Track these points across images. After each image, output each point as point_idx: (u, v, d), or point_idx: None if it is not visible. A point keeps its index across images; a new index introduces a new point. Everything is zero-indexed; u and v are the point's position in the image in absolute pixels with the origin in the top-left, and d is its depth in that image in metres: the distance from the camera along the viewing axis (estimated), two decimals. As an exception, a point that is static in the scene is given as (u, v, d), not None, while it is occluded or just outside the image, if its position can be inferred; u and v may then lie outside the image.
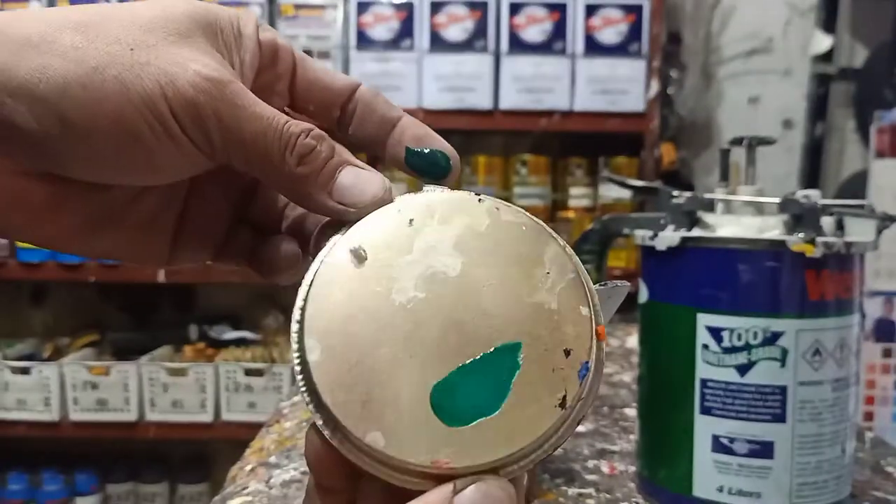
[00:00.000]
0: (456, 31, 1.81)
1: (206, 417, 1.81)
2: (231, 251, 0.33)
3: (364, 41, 1.82)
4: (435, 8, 1.81)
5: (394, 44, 1.82)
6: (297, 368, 0.25)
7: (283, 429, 0.71)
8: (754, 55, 2.10)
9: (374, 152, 0.32)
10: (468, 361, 0.24)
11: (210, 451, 1.96)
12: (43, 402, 1.80)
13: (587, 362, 0.24)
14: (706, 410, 0.49)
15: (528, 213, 0.27)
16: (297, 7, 1.84)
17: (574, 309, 0.25)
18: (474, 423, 0.24)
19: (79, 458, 1.94)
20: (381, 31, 1.82)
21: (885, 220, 0.51)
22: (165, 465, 1.99)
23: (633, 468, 0.58)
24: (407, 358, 0.24)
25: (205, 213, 0.32)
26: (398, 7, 1.82)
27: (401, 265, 0.25)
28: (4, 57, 0.24)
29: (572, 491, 0.55)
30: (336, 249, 0.26)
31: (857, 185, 1.88)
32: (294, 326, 0.25)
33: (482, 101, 1.81)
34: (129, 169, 0.26)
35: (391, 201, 0.27)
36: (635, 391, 0.56)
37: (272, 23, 1.83)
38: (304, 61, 0.31)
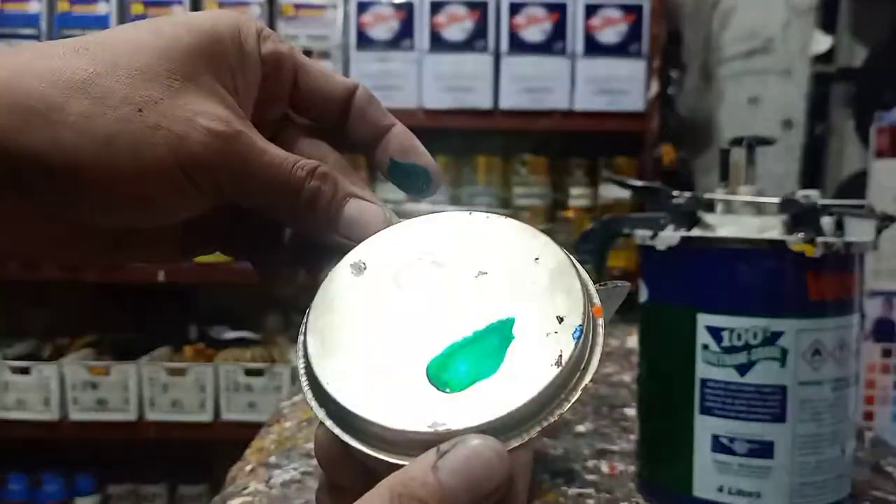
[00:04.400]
0: (456, 31, 1.81)
1: (206, 417, 1.81)
2: (237, 245, 0.33)
3: (364, 41, 1.82)
4: (435, 8, 1.81)
5: (394, 44, 1.82)
6: (302, 368, 0.26)
7: (283, 429, 0.71)
8: (754, 55, 2.10)
9: (365, 156, 0.33)
10: (461, 338, 0.25)
11: (210, 451, 1.96)
12: (43, 402, 1.80)
13: (581, 325, 0.25)
14: (706, 410, 0.49)
15: (518, 219, 0.29)
16: (297, 7, 1.84)
17: (565, 284, 0.26)
18: (471, 386, 0.24)
19: (78, 459, 1.93)
20: (381, 30, 1.82)
21: (885, 220, 0.51)
22: (165, 466, 1.99)
23: (633, 468, 0.58)
24: (403, 341, 0.26)
25: (208, 215, 0.32)
26: (398, 7, 1.82)
27: (394, 267, 0.28)
28: (14, 124, 0.24)
29: (572, 491, 0.55)
30: (338, 266, 0.28)
31: (856, 185, 1.88)
32: (300, 338, 0.27)
33: (482, 101, 1.81)
34: (142, 218, 0.28)
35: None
36: (635, 391, 0.56)
37: (272, 23, 1.83)
38: (304, 67, 0.32)
